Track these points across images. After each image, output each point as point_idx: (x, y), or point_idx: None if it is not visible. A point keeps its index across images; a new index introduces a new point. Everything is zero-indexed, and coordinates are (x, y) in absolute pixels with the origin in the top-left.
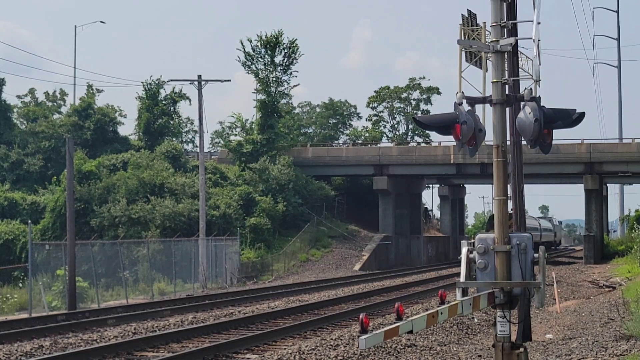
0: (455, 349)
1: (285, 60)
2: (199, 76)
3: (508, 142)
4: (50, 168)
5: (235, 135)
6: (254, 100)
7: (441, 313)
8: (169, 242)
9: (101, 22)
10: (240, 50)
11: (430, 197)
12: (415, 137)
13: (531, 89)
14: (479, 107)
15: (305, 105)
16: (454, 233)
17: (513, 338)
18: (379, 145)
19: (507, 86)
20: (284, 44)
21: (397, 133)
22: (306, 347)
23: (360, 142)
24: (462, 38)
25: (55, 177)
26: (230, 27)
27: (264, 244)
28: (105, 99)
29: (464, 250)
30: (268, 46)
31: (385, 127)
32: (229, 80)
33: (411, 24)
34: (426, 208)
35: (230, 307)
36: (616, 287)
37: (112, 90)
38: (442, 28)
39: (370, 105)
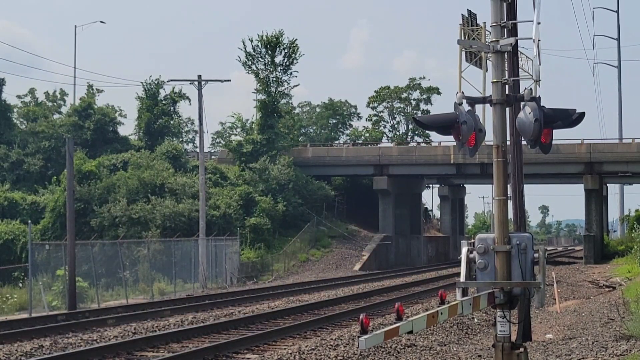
0: (455, 349)
1: (285, 61)
2: (199, 76)
3: (508, 142)
4: (50, 168)
5: (236, 135)
6: (254, 100)
7: (441, 313)
8: (169, 242)
9: (101, 22)
10: (241, 50)
11: (430, 197)
12: (415, 137)
13: (531, 89)
14: (479, 107)
15: (305, 105)
16: (454, 233)
17: (513, 338)
18: (379, 145)
19: (507, 86)
20: (284, 44)
21: (397, 133)
22: (306, 347)
23: (360, 142)
24: (462, 38)
25: (55, 177)
26: (230, 27)
27: (264, 244)
28: (105, 99)
29: (464, 250)
30: (268, 46)
31: (385, 127)
32: (229, 80)
33: (409, 25)
34: (426, 208)
35: (230, 307)
36: (616, 287)
37: (112, 90)
38: (440, 28)
39: (370, 105)
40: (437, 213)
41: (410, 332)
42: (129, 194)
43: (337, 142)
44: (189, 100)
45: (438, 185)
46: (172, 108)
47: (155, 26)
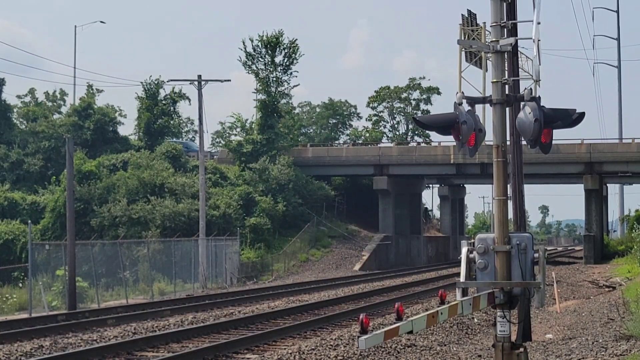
0: (455, 349)
1: (285, 60)
2: (199, 76)
3: (508, 142)
4: (50, 168)
5: (235, 135)
6: (254, 100)
7: (441, 313)
8: (169, 242)
9: (101, 22)
10: (241, 50)
11: (430, 197)
12: (415, 137)
13: (531, 89)
14: (479, 107)
15: (305, 105)
16: (454, 233)
17: (513, 338)
18: (379, 145)
19: (507, 86)
20: (284, 44)
21: (397, 133)
22: (306, 347)
23: (360, 142)
24: (462, 38)
25: (55, 177)
26: (229, 27)
27: (264, 244)
28: (105, 99)
29: (464, 250)
30: (268, 46)
31: (385, 127)
32: (229, 80)
33: (409, 25)
34: (426, 208)
35: (230, 307)
36: (616, 287)
37: (112, 90)
38: (440, 28)
39: (370, 105)
40: (437, 213)
41: (410, 332)
42: (129, 194)
43: (337, 142)
44: (189, 100)
45: (438, 185)
46: (172, 108)
47: (155, 26)
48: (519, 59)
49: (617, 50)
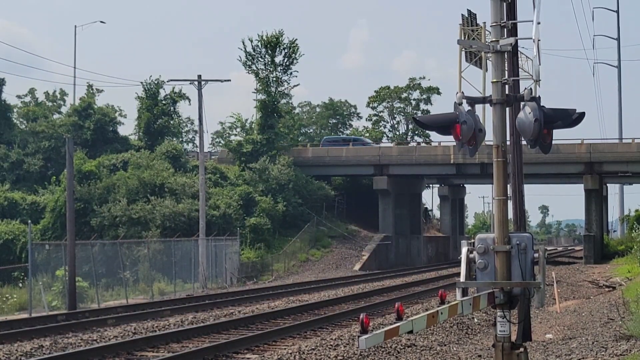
0: (455, 349)
1: (285, 60)
2: (199, 76)
3: (508, 142)
4: (50, 168)
5: (235, 135)
6: (254, 100)
7: (441, 313)
8: (169, 242)
9: (101, 22)
10: (241, 50)
11: (430, 197)
12: (415, 137)
13: (531, 89)
14: (479, 107)
15: (305, 105)
16: (454, 233)
17: (513, 338)
18: (379, 145)
19: (507, 86)
20: (284, 44)
21: (397, 133)
22: (306, 347)
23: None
24: (462, 38)
25: (55, 177)
26: (230, 27)
27: (264, 244)
28: (105, 99)
29: (464, 250)
30: (268, 46)
31: (385, 127)
32: (229, 80)
33: (409, 25)
34: (426, 208)
35: (230, 307)
36: (616, 287)
37: (112, 90)
38: (440, 28)
39: (370, 105)
40: (437, 213)
41: (410, 332)
42: (129, 194)
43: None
44: (189, 100)
45: (438, 185)
46: (172, 108)
47: (155, 26)
48: (519, 59)
49: (617, 50)
